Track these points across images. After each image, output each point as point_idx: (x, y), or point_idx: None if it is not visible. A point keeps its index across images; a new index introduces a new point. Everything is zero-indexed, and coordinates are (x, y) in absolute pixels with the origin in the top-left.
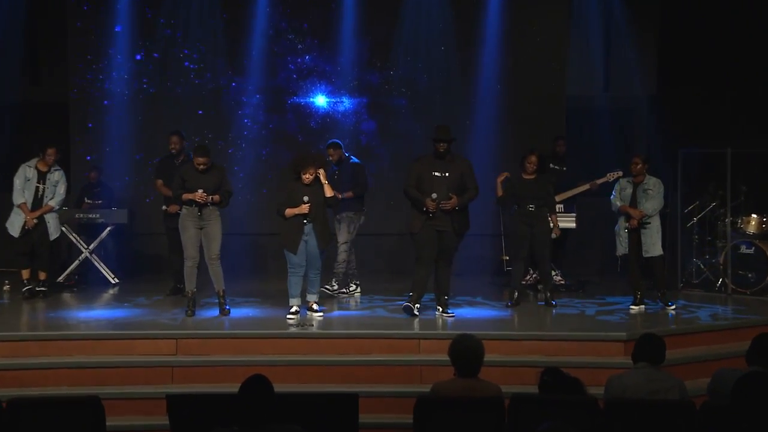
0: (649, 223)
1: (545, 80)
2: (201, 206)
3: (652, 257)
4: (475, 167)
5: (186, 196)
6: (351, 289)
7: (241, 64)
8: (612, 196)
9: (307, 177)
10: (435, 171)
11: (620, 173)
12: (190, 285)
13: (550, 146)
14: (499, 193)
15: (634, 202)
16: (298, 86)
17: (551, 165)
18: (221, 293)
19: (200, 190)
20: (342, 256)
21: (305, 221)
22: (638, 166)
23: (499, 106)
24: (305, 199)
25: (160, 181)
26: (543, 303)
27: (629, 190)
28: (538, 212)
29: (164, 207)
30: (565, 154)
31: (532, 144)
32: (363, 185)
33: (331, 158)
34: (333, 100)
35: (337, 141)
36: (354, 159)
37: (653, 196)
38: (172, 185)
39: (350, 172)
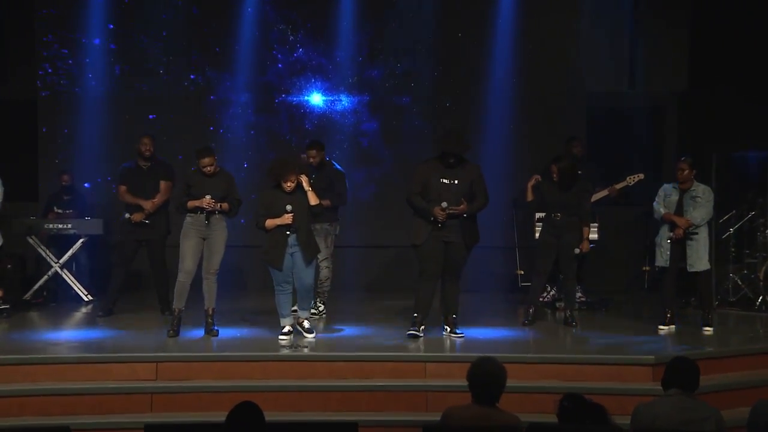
0: (696, 233)
1: (563, 75)
2: (208, 213)
3: (697, 272)
4: (486, 171)
5: (192, 204)
6: (320, 309)
7: (225, 59)
8: (655, 203)
9: (289, 185)
10: (443, 177)
11: (641, 176)
12: (178, 302)
13: (564, 148)
14: (530, 197)
15: (679, 211)
16: (291, 83)
17: None
18: (210, 312)
19: (208, 196)
20: (325, 272)
21: (289, 232)
22: (685, 172)
23: (512, 104)
24: (288, 208)
25: (123, 188)
26: (563, 322)
27: (674, 197)
28: (566, 222)
29: (126, 215)
30: (581, 156)
31: (545, 145)
32: (343, 197)
33: (312, 160)
34: (330, 98)
35: (321, 141)
36: (337, 165)
37: (702, 204)
38: (175, 192)
39: (330, 179)
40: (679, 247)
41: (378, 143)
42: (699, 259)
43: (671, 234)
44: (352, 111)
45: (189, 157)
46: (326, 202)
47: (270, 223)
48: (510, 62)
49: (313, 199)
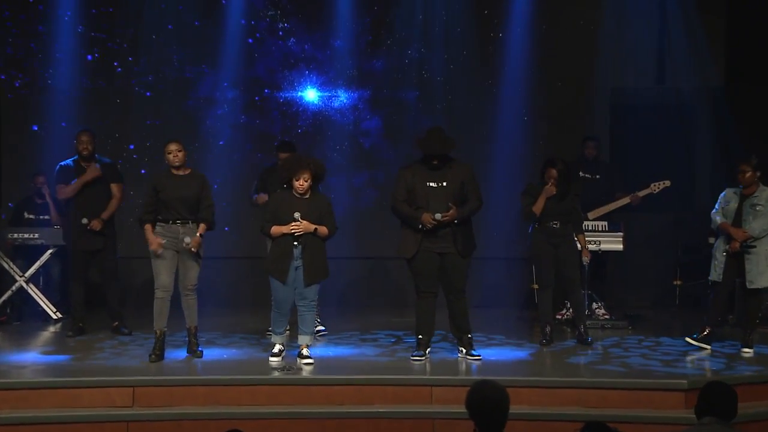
0: (755, 246)
1: (585, 69)
2: (182, 223)
3: (756, 289)
4: (499, 174)
5: (278, 230)
6: (318, 329)
7: (209, 52)
8: (714, 210)
9: (301, 183)
10: (430, 181)
11: (667, 183)
12: (159, 322)
13: (578, 150)
14: (540, 209)
15: (738, 220)
16: (283, 77)
17: (581, 173)
18: (193, 330)
19: (297, 214)
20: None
21: (296, 243)
22: (747, 174)
23: (529, 100)
24: (296, 215)
25: (62, 186)
26: (576, 340)
27: (734, 204)
28: (563, 230)
29: (85, 220)
30: (597, 158)
31: (565, 145)
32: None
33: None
34: (326, 93)
35: (292, 142)
36: None
37: (763, 213)
38: (144, 199)
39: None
40: (735, 261)
41: (381, 143)
42: (760, 274)
43: (727, 246)
44: (351, 108)
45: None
46: None
47: (275, 230)
48: (527, 54)
49: (322, 230)
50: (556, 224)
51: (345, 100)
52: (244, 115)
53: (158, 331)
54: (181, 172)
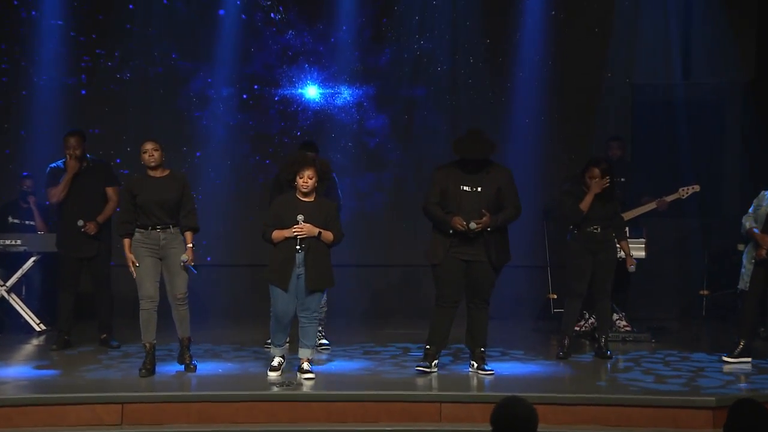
0: None
1: (605, 64)
2: (162, 228)
3: None
4: (515, 177)
5: (280, 234)
6: (322, 342)
7: (201, 45)
8: (746, 215)
9: (305, 181)
10: (464, 185)
11: (696, 188)
12: (147, 335)
13: (602, 151)
14: (586, 208)
15: None
16: (281, 74)
17: None
18: (186, 342)
19: (300, 217)
20: (324, 298)
21: (299, 248)
22: None
23: (545, 97)
24: (299, 218)
25: (52, 188)
26: (595, 353)
27: (766, 207)
28: (605, 236)
29: (80, 222)
30: (622, 159)
31: (583, 146)
32: (339, 206)
33: None
34: (328, 90)
35: (314, 142)
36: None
37: None
38: (120, 206)
39: (327, 188)
40: (764, 269)
41: (387, 143)
42: None
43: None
44: (355, 105)
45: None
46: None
47: (277, 234)
48: (543, 48)
49: (326, 236)
50: (596, 229)
51: (348, 98)
52: (240, 114)
53: (147, 345)
54: (158, 174)
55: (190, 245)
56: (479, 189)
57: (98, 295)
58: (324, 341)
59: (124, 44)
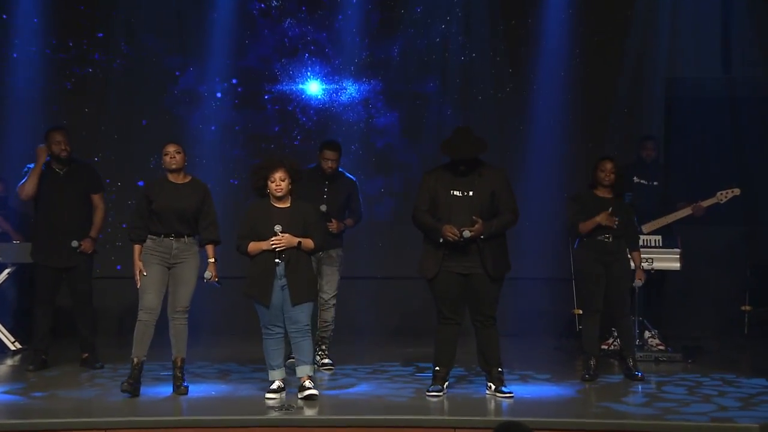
0: None
1: (635, 56)
2: (175, 237)
3: None
4: (534, 179)
5: (256, 247)
6: (324, 362)
7: (192, 40)
8: None
9: (278, 184)
10: (454, 189)
11: (736, 192)
12: (139, 349)
13: (635, 151)
14: (587, 229)
15: None
16: (281, 68)
17: (636, 178)
18: (179, 362)
19: (278, 227)
20: (330, 313)
21: (278, 260)
22: None
23: (569, 93)
24: (277, 228)
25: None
26: (624, 375)
27: None
28: (616, 245)
29: (75, 243)
30: (656, 161)
31: (611, 148)
32: (360, 212)
33: (330, 165)
34: (332, 86)
35: (338, 142)
36: (347, 173)
37: None
38: (134, 211)
39: (347, 190)
40: None
41: (397, 143)
42: None
43: None
44: (362, 102)
45: (142, 165)
46: (349, 222)
47: (254, 246)
48: (567, 39)
49: (307, 244)
50: (607, 238)
51: (354, 94)
52: (235, 112)
53: (135, 360)
54: (179, 180)
55: (213, 260)
56: (471, 193)
57: (79, 311)
58: (327, 360)
59: (104, 36)
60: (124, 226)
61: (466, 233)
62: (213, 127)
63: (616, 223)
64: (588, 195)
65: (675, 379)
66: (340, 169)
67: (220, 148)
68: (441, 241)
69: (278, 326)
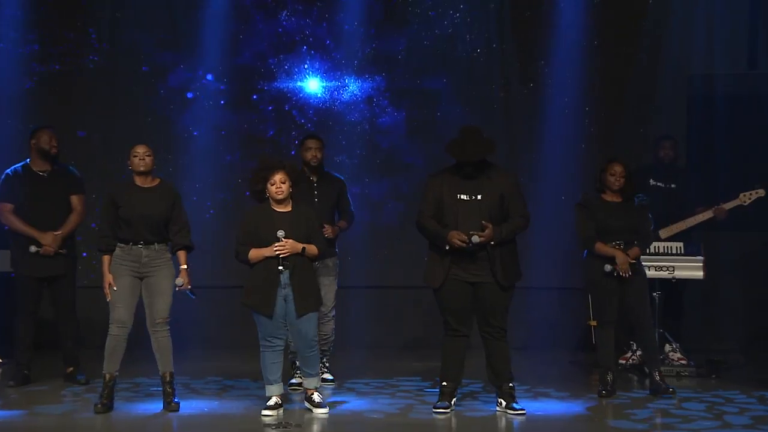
0: None
1: (651, 51)
2: (145, 245)
3: None
4: (548, 182)
5: (258, 254)
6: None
7: (181, 35)
8: None
9: (278, 188)
10: (461, 193)
11: (761, 193)
12: (110, 365)
13: (652, 151)
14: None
15: None
16: (277, 65)
17: (652, 181)
18: (168, 377)
19: (281, 233)
20: (330, 325)
21: (281, 267)
22: None
23: (585, 91)
24: (280, 234)
25: (9, 207)
26: (651, 391)
27: None
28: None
29: (33, 248)
30: (675, 162)
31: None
32: (352, 212)
33: (313, 157)
34: (332, 83)
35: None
36: (335, 173)
37: None
38: (101, 217)
39: (336, 190)
40: None
41: (403, 143)
42: None
43: None
44: (364, 100)
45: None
46: (343, 224)
47: (255, 253)
48: (582, 33)
49: (311, 250)
50: (619, 244)
51: (356, 91)
52: (229, 112)
53: (107, 376)
54: (147, 183)
55: (184, 266)
56: (479, 197)
57: (62, 322)
58: (327, 376)
59: (85, 30)
60: (93, 225)
61: (475, 238)
62: (203, 130)
63: (632, 263)
64: (596, 200)
65: (698, 396)
66: (326, 170)
67: (213, 149)
68: (447, 248)
69: (279, 338)
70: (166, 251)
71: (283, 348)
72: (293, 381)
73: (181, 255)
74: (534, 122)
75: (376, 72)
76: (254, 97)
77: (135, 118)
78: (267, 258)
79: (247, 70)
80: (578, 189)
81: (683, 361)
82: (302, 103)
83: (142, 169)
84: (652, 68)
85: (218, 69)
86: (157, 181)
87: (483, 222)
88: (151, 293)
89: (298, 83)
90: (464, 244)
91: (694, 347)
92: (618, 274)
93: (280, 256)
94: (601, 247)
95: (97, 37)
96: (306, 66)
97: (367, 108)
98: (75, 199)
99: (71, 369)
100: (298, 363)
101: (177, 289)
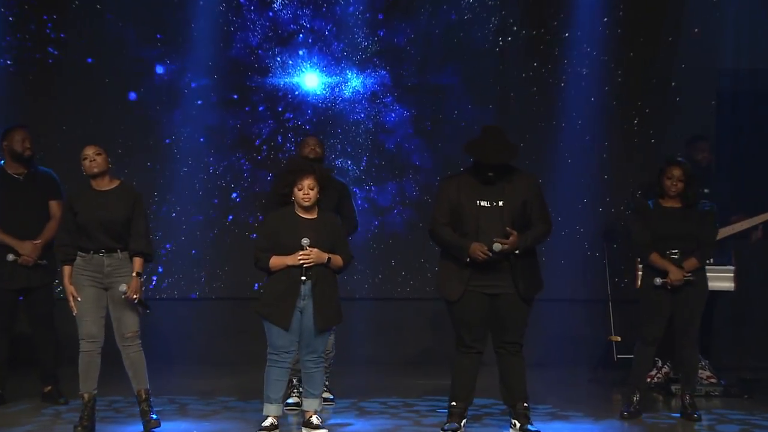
0: None
1: (679, 45)
2: (106, 253)
3: None
4: (565, 187)
5: (279, 262)
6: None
7: (168, 29)
8: None
9: (305, 194)
10: (481, 198)
11: None
12: (87, 383)
13: (684, 153)
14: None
15: None
16: (272, 60)
17: None
18: (143, 395)
19: (305, 240)
20: (331, 340)
21: (304, 278)
22: None
23: (607, 88)
24: (304, 241)
25: None
26: (681, 414)
27: None
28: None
29: (11, 256)
30: (710, 165)
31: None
32: (354, 220)
33: (311, 149)
34: (333, 79)
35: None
36: (337, 177)
37: None
38: (60, 226)
39: (337, 194)
40: None
41: (410, 144)
42: None
43: None
44: (368, 97)
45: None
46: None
47: (277, 261)
48: (606, 23)
49: (336, 261)
50: (675, 254)
51: (358, 87)
52: (219, 111)
53: (86, 396)
54: (103, 186)
55: (135, 273)
56: (500, 203)
57: (39, 338)
58: (327, 395)
59: (65, 23)
60: None
61: (497, 246)
62: (192, 128)
63: (686, 277)
64: (652, 205)
65: (729, 418)
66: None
67: (202, 151)
68: (468, 260)
69: (289, 353)
70: (128, 261)
71: (290, 367)
72: (290, 401)
73: (137, 261)
74: (554, 121)
75: (379, 67)
76: (246, 93)
77: (116, 117)
78: (289, 266)
79: (239, 67)
80: (601, 194)
81: (713, 380)
82: (300, 101)
83: (95, 170)
84: (680, 63)
85: (207, 65)
86: (116, 183)
87: (507, 229)
88: (117, 306)
89: (295, 80)
90: (488, 256)
91: (724, 364)
92: (670, 286)
93: (305, 265)
94: (655, 259)
95: (77, 31)
96: (303, 60)
97: (370, 107)
98: (54, 205)
99: (49, 388)
100: (295, 381)
101: (123, 297)
